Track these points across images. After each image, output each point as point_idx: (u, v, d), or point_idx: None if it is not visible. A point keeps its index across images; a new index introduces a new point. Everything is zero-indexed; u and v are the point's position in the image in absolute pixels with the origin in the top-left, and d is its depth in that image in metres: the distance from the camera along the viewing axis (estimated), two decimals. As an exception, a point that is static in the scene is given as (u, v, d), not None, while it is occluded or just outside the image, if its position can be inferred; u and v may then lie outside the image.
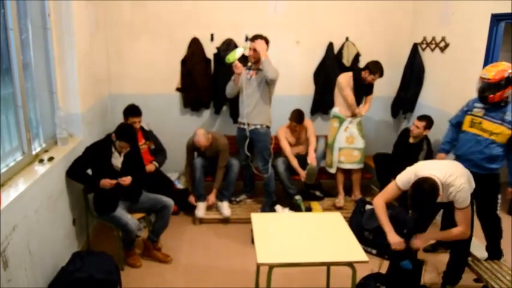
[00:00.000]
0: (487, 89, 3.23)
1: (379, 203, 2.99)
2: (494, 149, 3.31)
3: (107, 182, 3.34)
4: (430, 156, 4.19)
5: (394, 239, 2.92)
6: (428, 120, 4.25)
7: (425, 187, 2.64)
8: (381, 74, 4.43)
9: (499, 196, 3.51)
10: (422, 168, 2.86)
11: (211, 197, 4.44)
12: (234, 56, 4.08)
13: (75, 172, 3.36)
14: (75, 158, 3.39)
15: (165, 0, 4.73)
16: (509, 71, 3.20)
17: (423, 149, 4.24)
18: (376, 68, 4.40)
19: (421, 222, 3.15)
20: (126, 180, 3.42)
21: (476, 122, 3.41)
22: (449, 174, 2.74)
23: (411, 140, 4.35)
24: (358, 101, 4.54)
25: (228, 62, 4.12)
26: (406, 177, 2.90)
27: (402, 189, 2.92)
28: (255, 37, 4.07)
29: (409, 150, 4.31)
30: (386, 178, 4.57)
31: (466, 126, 3.50)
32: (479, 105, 3.39)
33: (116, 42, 4.81)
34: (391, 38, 5.13)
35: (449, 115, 4.37)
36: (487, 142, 3.33)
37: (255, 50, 4.06)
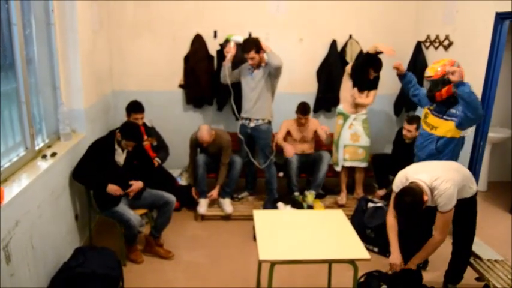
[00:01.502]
0: (433, 87, 3.18)
1: (389, 221, 3.01)
2: (431, 143, 3.30)
3: (115, 191, 3.39)
4: None
5: (394, 259, 2.94)
6: (418, 121, 4.15)
7: (407, 199, 2.65)
8: (375, 70, 4.36)
9: None
10: (412, 172, 2.87)
11: (214, 193, 4.43)
12: (231, 36, 4.25)
13: (80, 175, 3.36)
14: (79, 159, 3.38)
15: (169, 0, 4.74)
16: (453, 65, 3.11)
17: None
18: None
19: (415, 230, 3.15)
20: (135, 188, 3.52)
21: (427, 115, 3.39)
22: (436, 177, 2.73)
23: (407, 141, 4.32)
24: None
25: (227, 37, 4.34)
26: (399, 182, 2.91)
27: None
28: (246, 49, 4.09)
29: (407, 149, 4.30)
30: (385, 179, 4.58)
31: (422, 118, 3.49)
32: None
33: (119, 39, 4.80)
34: (395, 36, 5.10)
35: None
36: (426, 135, 3.36)
37: (251, 59, 4.10)
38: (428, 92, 3.23)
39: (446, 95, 3.14)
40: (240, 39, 4.19)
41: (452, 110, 3.20)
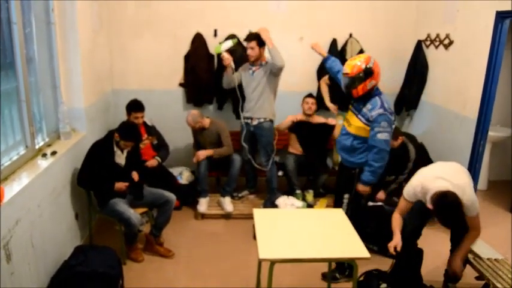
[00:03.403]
0: (349, 84, 3.14)
1: (394, 216, 3.03)
2: (347, 139, 3.30)
3: (122, 186, 3.43)
4: (420, 162, 4.20)
5: (396, 241, 2.90)
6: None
7: (448, 201, 2.57)
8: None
9: (346, 196, 3.44)
10: (429, 181, 2.80)
11: (201, 153, 4.37)
12: (219, 49, 4.18)
13: (85, 181, 3.38)
14: (80, 165, 3.39)
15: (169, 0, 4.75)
16: (369, 62, 3.09)
17: (409, 159, 4.23)
18: None
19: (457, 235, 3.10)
20: (135, 175, 3.55)
21: (349, 109, 3.38)
22: (457, 186, 2.68)
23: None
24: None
25: (215, 52, 4.28)
26: (411, 189, 2.89)
27: (410, 201, 2.93)
28: (249, 37, 4.10)
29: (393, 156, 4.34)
30: (382, 179, 4.57)
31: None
32: None
33: (119, 37, 4.81)
34: (395, 35, 5.11)
35: (453, 113, 4.38)
36: (343, 131, 3.38)
37: (251, 49, 4.08)
38: (345, 88, 3.21)
39: (362, 92, 3.13)
40: (229, 43, 4.18)
41: (365, 110, 3.18)
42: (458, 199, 2.60)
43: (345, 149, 3.35)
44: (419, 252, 3.17)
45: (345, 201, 3.43)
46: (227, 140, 4.47)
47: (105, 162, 3.41)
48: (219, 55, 4.64)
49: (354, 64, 3.10)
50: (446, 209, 2.61)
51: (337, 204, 3.50)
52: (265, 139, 4.34)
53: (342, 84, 3.24)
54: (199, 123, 4.41)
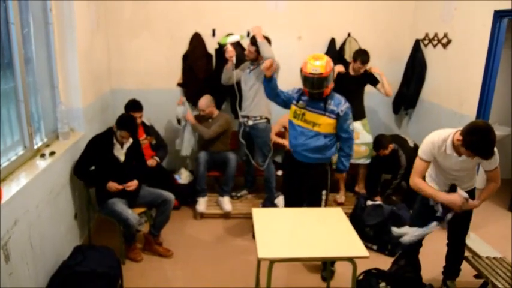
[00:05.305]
0: (322, 83, 3.11)
1: (415, 181, 2.92)
2: (318, 140, 3.28)
3: (113, 186, 3.41)
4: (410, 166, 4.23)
5: (449, 198, 2.83)
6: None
7: (481, 124, 2.61)
8: (362, 61, 4.39)
9: (324, 193, 3.40)
10: (442, 132, 2.79)
11: (191, 117, 4.51)
12: (225, 40, 4.16)
13: (81, 171, 3.39)
14: (79, 155, 3.40)
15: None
16: (331, 62, 3.15)
17: (401, 167, 4.26)
18: (356, 54, 4.45)
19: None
20: (132, 186, 3.50)
21: (300, 113, 3.31)
22: None
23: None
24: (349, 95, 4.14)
25: (220, 43, 4.25)
26: (426, 148, 2.83)
27: (427, 160, 2.86)
28: (252, 42, 4.09)
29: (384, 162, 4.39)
30: (378, 180, 4.61)
31: (291, 116, 3.41)
32: (305, 97, 3.29)
33: (117, 37, 4.80)
34: (393, 34, 5.11)
35: (451, 111, 4.38)
36: (310, 134, 3.29)
37: (250, 52, 4.11)
38: (316, 88, 3.14)
39: (329, 91, 3.21)
40: (236, 37, 4.17)
41: (332, 107, 3.21)
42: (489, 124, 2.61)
43: (318, 149, 3.29)
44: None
45: (323, 197, 3.41)
46: (215, 128, 4.46)
47: (103, 153, 3.43)
48: (220, 49, 4.63)
49: (325, 64, 3.09)
50: (481, 132, 2.64)
51: (312, 203, 3.41)
52: (261, 140, 4.34)
53: (310, 85, 3.15)
54: (210, 107, 4.48)
